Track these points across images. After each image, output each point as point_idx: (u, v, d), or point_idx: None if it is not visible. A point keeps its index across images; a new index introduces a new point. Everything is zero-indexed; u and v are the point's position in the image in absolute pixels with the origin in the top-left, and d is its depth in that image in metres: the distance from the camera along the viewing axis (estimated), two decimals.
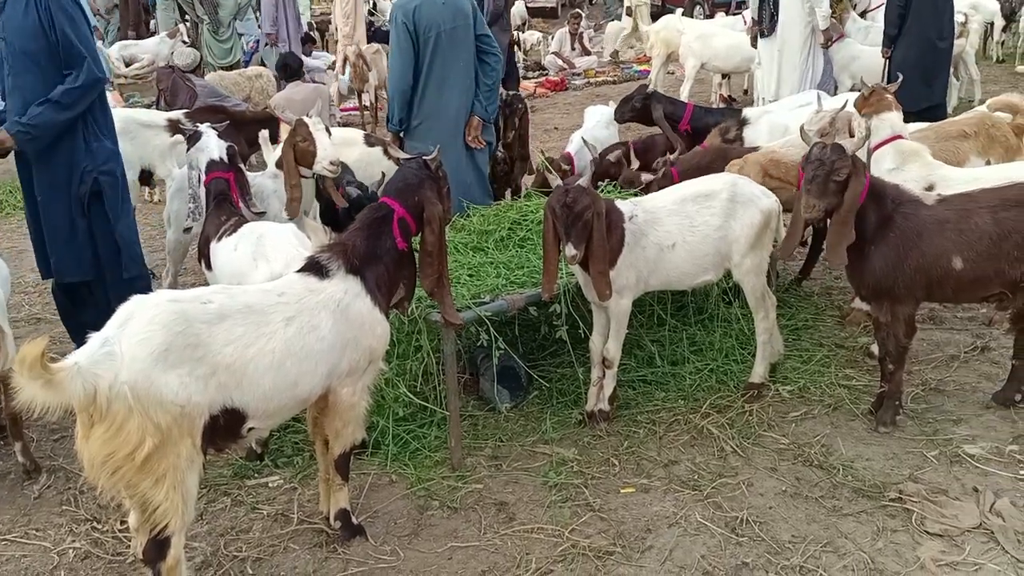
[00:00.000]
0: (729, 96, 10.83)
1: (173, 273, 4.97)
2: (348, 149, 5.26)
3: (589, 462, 3.51)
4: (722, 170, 4.35)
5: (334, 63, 12.28)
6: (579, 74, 13.92)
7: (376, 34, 12.70)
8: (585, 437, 3.70)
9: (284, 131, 5.43)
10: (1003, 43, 12.63)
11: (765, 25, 8.06)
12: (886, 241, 3.41)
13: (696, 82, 10.24)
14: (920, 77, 6.86)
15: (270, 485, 3.45)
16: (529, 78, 14.15)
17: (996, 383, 3.89)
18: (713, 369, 4.12)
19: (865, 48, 8.39)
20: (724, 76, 10.86)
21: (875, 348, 3.92)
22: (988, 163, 4.51)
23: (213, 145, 4.00)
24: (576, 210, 3.27)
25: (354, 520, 3.12)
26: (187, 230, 4.58)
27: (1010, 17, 12.43)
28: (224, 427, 2.53)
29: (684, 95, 9.60)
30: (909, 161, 4.12)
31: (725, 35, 10.31)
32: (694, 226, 3.64)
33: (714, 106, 9.57)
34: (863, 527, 3.03)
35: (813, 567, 2.85)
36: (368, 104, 10.88)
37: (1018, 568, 2.80)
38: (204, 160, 4.00)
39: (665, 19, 11.03)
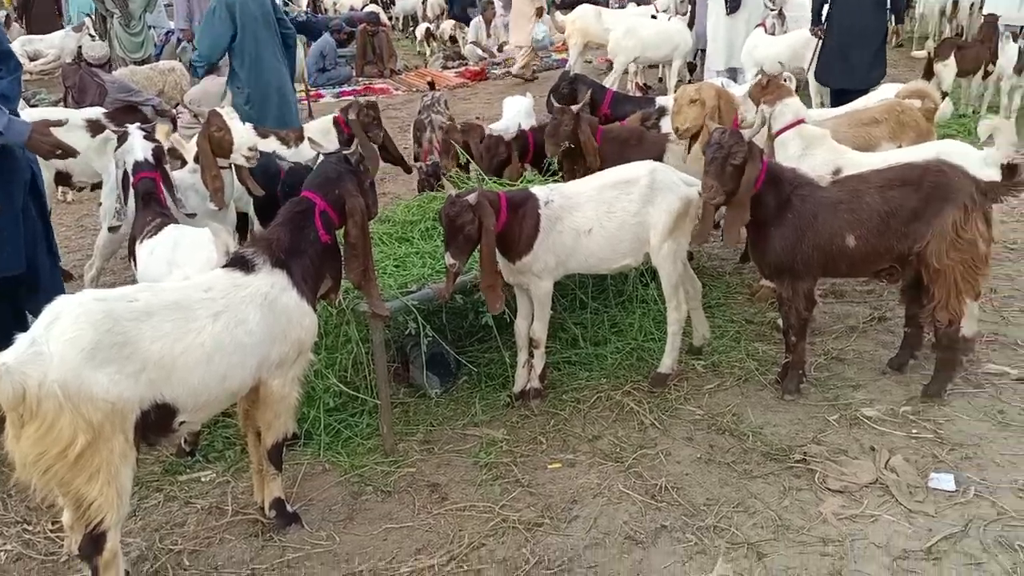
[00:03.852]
0: (645, 84, 11.08)
1: (98, 268, 4.90)
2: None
3: (517, 441, 3.65)
4: (640, 144, 4.80)
5: None
6: (499, 63, 14.01)
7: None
8: (513, 418, 3.84)
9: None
10: (899, 29, 13.16)
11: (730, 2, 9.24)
12: (785, 222, 3.62)
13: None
14: (838, 55, 7.13)
15: (203, 480, 3.49)
16: (449, 68, 14.20)
17: (892, 350, 4.17)
18: (633, 348, 4.30)
19: (765, 36, 8.73)
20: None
21: (781, 322, 4.15)
22: (899, 147, 4.68)
23: (138, 146, 3.97)
24: (457, 224, 3.40)
25: (289, 508, 3.18)
26: (112, 229, 4.51)
27: (907, 2, 12.96)
28: (156, 422, 2.57)
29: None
30: (814, 146, 4.30)
31: (651, 25, 10.20)
32: (612, 212, 3.74)
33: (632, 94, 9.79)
34: (771, 487, 3.25)
35: (726, 526, 3.05)
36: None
37: (910, 517, 3.05)
38: (131, 161, 3.97)
39: (581, 8, 11.01)
